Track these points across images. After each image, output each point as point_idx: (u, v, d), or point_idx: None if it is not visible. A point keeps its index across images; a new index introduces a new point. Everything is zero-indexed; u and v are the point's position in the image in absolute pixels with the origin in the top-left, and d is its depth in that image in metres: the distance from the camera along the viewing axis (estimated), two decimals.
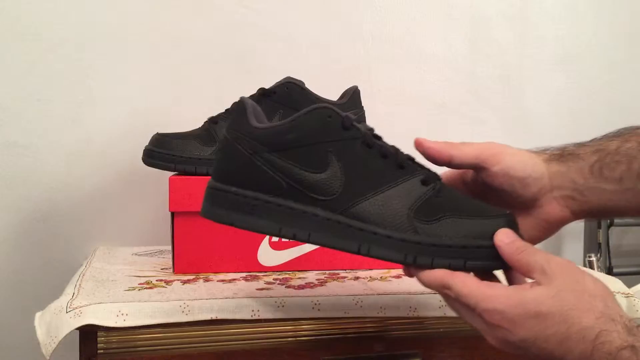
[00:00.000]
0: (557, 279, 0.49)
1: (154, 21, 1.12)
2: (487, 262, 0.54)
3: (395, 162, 0.57)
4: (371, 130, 0.59)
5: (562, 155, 0.61)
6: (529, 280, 0.51)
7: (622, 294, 0.80)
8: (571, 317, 0.47)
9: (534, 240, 0.60)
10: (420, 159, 0.60)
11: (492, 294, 0.50)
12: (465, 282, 0.51)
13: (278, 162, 0.56)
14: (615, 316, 0.48)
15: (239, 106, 0.60)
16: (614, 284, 0.82)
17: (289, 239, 0.57)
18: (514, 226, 0.56)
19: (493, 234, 0.54)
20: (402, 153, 0.59)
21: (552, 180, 0.60)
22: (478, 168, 0.60)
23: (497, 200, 0.61)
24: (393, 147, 0.59)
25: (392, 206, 0.56)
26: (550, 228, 0.61)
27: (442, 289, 0.53)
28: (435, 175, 0.58)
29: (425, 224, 0.55)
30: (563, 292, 0.48)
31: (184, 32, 1.13)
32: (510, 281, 0.56)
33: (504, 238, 0.53)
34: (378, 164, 0.57)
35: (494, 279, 0.55)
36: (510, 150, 0.60)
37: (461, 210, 0.56)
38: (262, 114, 0.61)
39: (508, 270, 0.55)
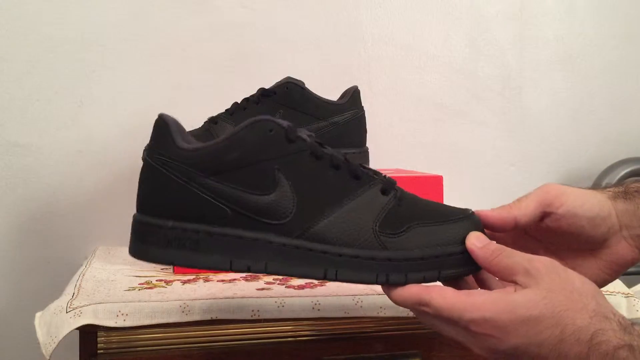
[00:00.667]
0: (543, 280, 0.46)
1: (154, 21, 1.12)
2: (461, 269, 0.52)
3: (349, 172, 0.53)
4: (315, 138, 0.54)
5: (626, 192, 0.57)
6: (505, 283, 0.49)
7: (622, 294, 0.80)
8: (564, 318, 0.45)
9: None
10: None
11: (476, 302, 0.47)
12: (444, 295, 0.48)
13: (218, 188, 0.50)
14: (608, 314, 0.46)
15: (159, 124, 0.52)
16: (614, 284, 0.82)
17: (243, 272, 0.52)
18: (479, 225, 0.53)
19: (462, 238, 0.51)
20: (353, 162, 0.54)
21: (620, 219, 0.56)
22: (543, 216, 0.56)
23: (564, 245, 0.57)
24: (341, 154, 0.54)
25: (354, 222, 0.51)
26: (619, 270, 0.58)
27: (418, 306, 0.49)
28: (391, 181, 0.54)
29: (393, 237, 0.51)
30: (553, 292, 0.46)
31: (183, 32, 1.13)
32: (482, 285, 0.54)
33: (476, 242, 0.51)
34: (331, 176, 0.52)
35: (466, 285, 0.53)
36: (572, 190, 0.56)
37: (426, 217, 0.52)
38: (186, 132, 0.55)
39: (477, 272, 0.53)
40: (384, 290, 0.53)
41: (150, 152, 0.53)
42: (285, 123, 0.52)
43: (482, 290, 0.50)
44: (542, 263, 0.48)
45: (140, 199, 0.53)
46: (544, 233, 0.58)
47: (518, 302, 0.46)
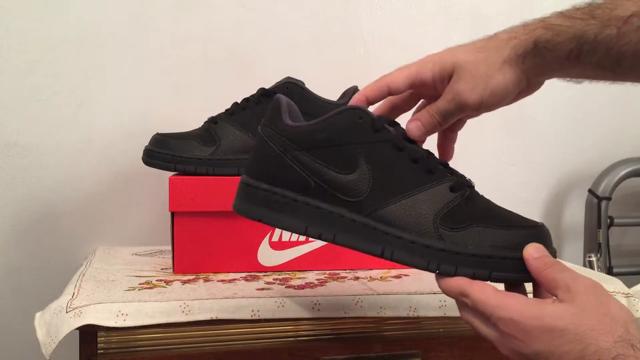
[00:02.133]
0: (580, 298, 0.47)
1: (154, 21, 1.12)
2: (512, 274, 0.53)
3: (425, 167, 0.56)
4: (404, 133, 0.59)
5: (536, 49, 0.56)
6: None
7: (622, 294, 0.80)
8: (588, 337, 0.46)
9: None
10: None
11: (509, 303, 0.49)
12: (484, 289, 0.50)
13: (307, 161, 0.56)
14: (635, 342, 0.46)
15: (274, 103, 0.59)
16: (614, 283, 0.82)
17: (315, 238, 0.57)
18: (546, 238, 0.55)
19: (521, 245, 0.53)
20: (434, 158, 0.58)
21: (527, 75, 0.57)
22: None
23: None
24: (426, 151, 0.58)
25: (418, 211, 0.55)
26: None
27: (460, 297, 0.52)
28: (466, 182, 0.57)
29: (451, 232, 0.54)
30: (584, 311, 0.47)
31: (183, 32, 1.13)
32: (537, 296, 0.54)
33: (534, 252, 0.52)
34: (407, 167, 0.56)
35: (522, 291, 0.54)
36: (464, 70, 0.57)
37: (490, 219, 0.55)
38: (298, 113, 0.61)
39: (535, 284, 0.54)
40: (435, 277, 0.55)
41: (262, 126, 0.59)
42: (375, 115, 0.58)
43: (522, 295, 0.51)
44: (585, 284, 0.49)
45: (248, 164, 0.60)
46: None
47: (547, 311, 0.47)
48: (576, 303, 0.47)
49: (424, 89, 0.61)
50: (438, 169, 0.57)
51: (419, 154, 0.57)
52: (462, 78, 0.57)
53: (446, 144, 0.65)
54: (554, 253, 0.54)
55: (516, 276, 0.53)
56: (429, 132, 0.60)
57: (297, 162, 0.57)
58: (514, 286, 0.55)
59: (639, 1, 0.52)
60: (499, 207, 0.58)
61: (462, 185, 0.56)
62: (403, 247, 0.55)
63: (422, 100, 0.64)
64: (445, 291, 0.54)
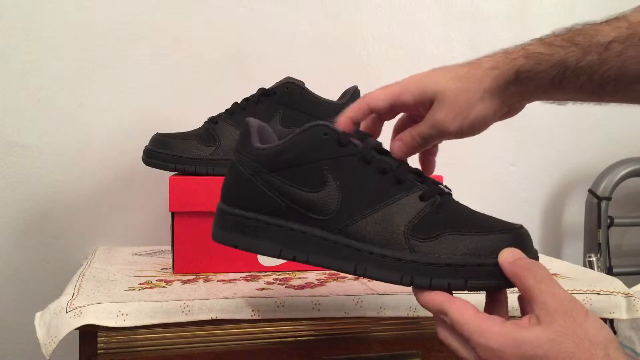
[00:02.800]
0: (557, 322, 0.46)
1: (154, 21, 1.12)
2: (489, 282, 0.52)
3: (394, 178, 0.56)
4: (377, 145, 0.58)
5: (517, 79, 0.57)
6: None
7: (622, 294, 0.80)
8: None
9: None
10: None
11: (487, 329, 0.47)
12: (463, 312, 0.49)
13: (276, 183, 0.56)
14: None
15: (244, 127, 0.59)
16: (614, 284, 0.82)
17: (290, 260, 0.56)
18: (524, 241, 0.53)
19: (497, 250, 0.51)
20: (404, 167, 0.57)
21: (507, 102, 0.58)
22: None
23: None
24: (397, 161, 0.58)
25: (389, 224, 0.54)
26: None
27: (439, 314, 0.51)
28: (436, 189, 0.56)
29: (423, 242, 0.53)
30: (562, 337, 0.45)
31: (183, 32, 1.13)
32: (521, 304, 0.53)
33: (508, 256, 0.51)
34: (375, 180, 0.56)
35: (503, 298, 0.54)
36: (457, 111, 0.57)
37: (463, 226, 0.53)
38: (271, 134, 0.61)
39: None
40: (412, 291, 0.54)
41: (234, 150, 0.60)
42: (340, 129, 0.57)
43: (499, 319, 0.49)
44: (562, 302, 0.47)
45: (222, 190, 0.60)
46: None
47: (525, 339, 0.46)
48: (553, 327, 0.46)
49: (405, 109, 0.62)
50: (407, 179, 0.56)
51: (387, 165, 0.56)
52: (442, 107, 0.57)
53: (427, 158, 0.65)
54: (534, 256, 0.53)
55: (493, 283, 0.52)
56: (412, 152, 0.61)
57: (266, 184, 0.57)
58: (495, 293, 0.54)
59: (618, 27, 0.53)
60: (475, 212, 0.56)
61: (432, 193, 0.55)
62: (375, 263, 0.54)
63: (403, 113, 0.64)
64: (424, 306, 0.52)
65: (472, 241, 0.52)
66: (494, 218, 0.55)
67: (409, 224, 0.54)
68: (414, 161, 0.61)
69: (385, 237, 0.54)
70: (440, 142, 0.62)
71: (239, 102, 0.88)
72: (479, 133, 0.60)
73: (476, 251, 0.52)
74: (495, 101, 0.58)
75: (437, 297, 0.51)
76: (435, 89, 0.58)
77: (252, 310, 0.70)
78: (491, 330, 0.47)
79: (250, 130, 0.59)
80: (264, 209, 0.57)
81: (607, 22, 0.56)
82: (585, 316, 0.47)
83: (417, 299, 0.53)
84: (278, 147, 0.57)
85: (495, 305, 0.54)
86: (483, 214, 0.56)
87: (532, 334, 0.46)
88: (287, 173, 0.56)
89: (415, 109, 0.60)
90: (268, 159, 0.57)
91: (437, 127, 0.58)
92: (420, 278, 0.52)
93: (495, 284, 0.52)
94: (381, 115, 0.63)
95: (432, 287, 0.52)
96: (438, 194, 0.56)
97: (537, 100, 0.59)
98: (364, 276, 0.54)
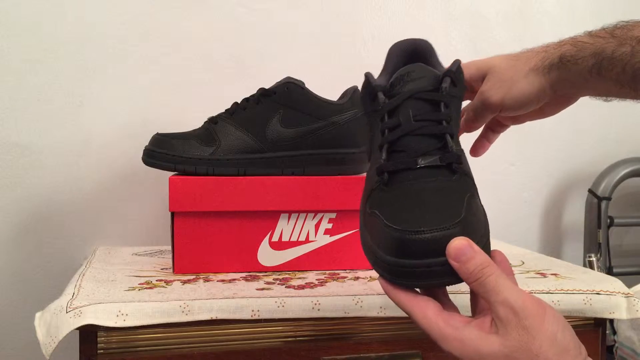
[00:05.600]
0: (512, 334, 0.45)
1: (154, 21, 1.12)
2: (438, 281, 0.48)
3: (377, 144, 0.56)
4: (390, 105, 0.57)
5: (561, 62, 0.60)
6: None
7: (622, 294, 0.80)
8: None
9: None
10: None
11: (449, 335, 0.47)
12: (425, 314, 0.48)
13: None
14: None
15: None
16: (614, 284, 0.82)
17: None
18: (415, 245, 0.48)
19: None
20: (388, 136, 0.55)
21: (553, 87, 0.61)
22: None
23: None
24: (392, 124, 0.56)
25: (364, 193, 0.57)
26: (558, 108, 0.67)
27: (405, 312, 0.50)
28: (389, 166, 0.53)
29: (369, 218, 0.52)
30: (517, 353, 0.45)
31: (183, 32, 1.13)
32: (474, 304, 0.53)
33: (458, 257, 0.47)
34: (368, 143, 0.60)
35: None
36: (503, 84, 0.63)
37: (389, 211, 0.50)
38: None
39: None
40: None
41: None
42: (376, 82, 0.59)
43: (460, 322, 0.48)
44: (512, 309, 0.46)
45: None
46: None
47: (483, 351, 0.46)
48: (508, 341, 0.45)
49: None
50: (381, 148, 0.55)
51: (383, 128, 0.56)
52: (489, 80, 0.64)
53: (481, 141, 0.72)
54: (482, 241, 0.49)
55: (443, 281, 0.48)
56: (468, 126, 0.68)
57: None
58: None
59: None
60: (424, 192, 0.51)
61: (387, 167, 0.53)
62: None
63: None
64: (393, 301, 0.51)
65: (383, 231, 0.49)
66: (439, 201, 0.50)
67: (366, 197, 0.54)
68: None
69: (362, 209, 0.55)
70: (488, 115, 0.66)
71: (239, 102, 0.88)
72: (520, 111, 0.64)
73: (380, 244, 0.49)
74: (539, 80, 0.61)
75: (401, 297, 0.49)
76: (489, 65, 0.65)
77: (252, 310, 0.70)
78: (453, 336, 0.47)
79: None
80: None
81: None
82: (539, 324, 0.46)
83: (387, 294, 0.51)
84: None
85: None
86: (436, 197, 0.51)
87: (491, 348, 0.46)
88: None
89: (471, 87, 0.66)
90: None
91: (481, 97, 0.64)
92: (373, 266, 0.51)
93: (447, 281, 0.49)
94: None
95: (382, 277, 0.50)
96: (392, 170, 0.53)
97: (582, 93, 0.63)
98: None
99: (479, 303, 0.52)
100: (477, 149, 0.73)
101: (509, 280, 0.48)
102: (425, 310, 0.48)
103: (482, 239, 0.50)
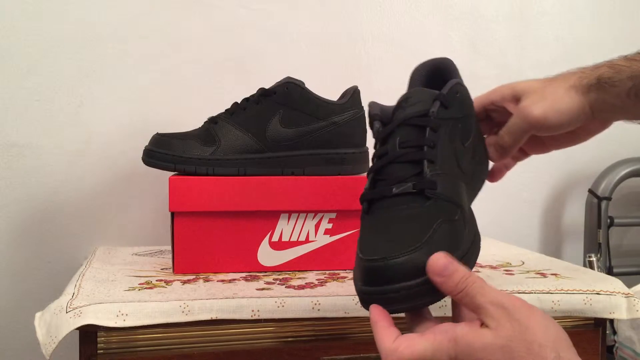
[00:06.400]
0: (504, 327, 0.46)
1: (154, 21, 1.12)
2: (422, 301, 0.50)
3: (370, 173, 0.58)
4: (382, 134, 0.60)
5: (599, 84, 0.60)
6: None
7: (622, 294, 0.80)
8: None
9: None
10: None
11: (440, 341, 0.47)
12: (412, 342, 0.48)
13: None
14: None
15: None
16: (614, 284, 0.82)
17: None
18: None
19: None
20: (379, 161, 0.58)
21: (592, 108, 0.61)
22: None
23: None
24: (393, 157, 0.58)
25: None
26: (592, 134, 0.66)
27: (382, 354, 0.49)
28: (376, 192, 0.55)
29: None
30: (512, 342, 0.45)
31: (183, 32, 1.13)
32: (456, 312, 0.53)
33: (438, 274, 0.48)
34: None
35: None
36: (544, 99, 0.62)
37: (362, 241, 0.53)
38: None
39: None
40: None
41: None
42: (374, 111, 0.60)
43: (445, 327, 0.48)
44: (502, 306, 0.47)
45: None
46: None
47: (476, 345, 0.46)
48: (502, 333, 0.46)
49: (494, 112, 0.67)
50: (368, 176, 0.58)
51: (375, 155, 0.58)
52: (529, 97, 0.63)
53: (500, 167, 0.70)
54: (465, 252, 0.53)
55: (426, 300, 0.50)
56: (503, 153, 0.65)
57: None
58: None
59: None
60: (390, 225, 0.53)
61: (365, 196, 0.56)
62: None
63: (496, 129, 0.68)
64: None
65: (358, 262, 0.52)
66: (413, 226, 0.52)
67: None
68: None
69: None
70: (526, 135, 0.64)
71: (239, 102, 0.88)
72: (562, 128, 0.62)
73: (355, 274, 0.53)
74: (580, 98, 0.61)
75: (383, 335, 0.49)
76: (524, 87, 0.64)
77: (252, 310, 0.70)
78: (445, 340, 0.47)
79: None
80: None
81: None
82: (530, 315, 0.46)
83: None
84: None
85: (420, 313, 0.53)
86: (410, 222, 0.52)
87: (484, 340, 0.46)
88: None
89: (502, 110, 0.65)
90: None
91: (523, 112, 0.62)
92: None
93: (429, 301, 0.51)
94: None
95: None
96: (371, 199, 0.55)
97: (620, 117, 0.63)
98: None
99: (462, 313, 0.52)
100: (495, 175, 0.71)
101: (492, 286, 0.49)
102: (410, 341, 0.48)
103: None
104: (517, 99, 0.64)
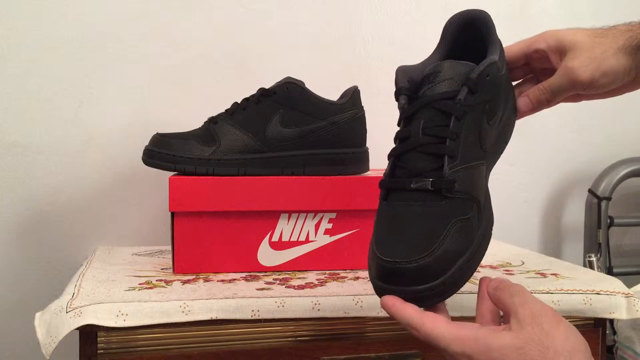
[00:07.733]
0: (525, 329, 0.48)
1: (154, 21, 1.12)
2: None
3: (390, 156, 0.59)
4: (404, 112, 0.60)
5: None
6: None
7: (622, 294, 0.80)
8: None
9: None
10: None
11: (461, 337, 0.49)
12: (436, 324, 0.50)
13: None
14: None
15: None
16: (614, 284, 0.82)
17: None
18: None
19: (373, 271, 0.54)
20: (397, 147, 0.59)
21: (637, 68, 0.60)
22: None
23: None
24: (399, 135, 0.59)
25: None
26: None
27: (409, 328, 0.51)
28: (388, 182, 0.56)
29: None
30: (528, 345, 0.47)
31: (183, 32, 1.13)
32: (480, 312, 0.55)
33: (492, 284, 0.55)
34: None
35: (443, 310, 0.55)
36: (592, 60, 0.60)
37: (377, 232, 0.55)
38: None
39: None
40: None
41: None
42: (402, 84, 0.60)
43: (471, 325, 0.51)
44: (532, 311, 0.49)
45: None
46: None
47: (495, 346, 0.48)
48: (521, 335, 0.48)
49: (535, 59, 0.65)
50: (389, 159, 0.58)
51: (397, 135, 0.58)
52: (577, 56, 0.60)
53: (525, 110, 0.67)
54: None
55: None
56: (536, 108, 0.64)
57: None
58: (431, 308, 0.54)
59: None
60: (405, 223, 0.54)
61: (383, 186, 0.57)
62: None
63: (530, 75, 0.67)
64: (395, 319, 0.53)
65: (373, 255, 0.54)
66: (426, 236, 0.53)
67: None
68: None
69: None
70: (568, 94, 0.63)
71: (239, 102, 0.88)
72: (605, 89, 0.62)
73: (370, 266, 0.55)
74: (627, 60, 0.60)
75: (407, 311, 0.51)
76: (572, 39, 0.61)
77: (252, 310, 0.70)
78: (464, 337, 0.49)
79: None
80: None
81: None
82: (556, 324, 0.48)
83: (386, 309, 0.53)
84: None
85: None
86: (425, 220, 0.54)
87: (502, 341, 0.48)
88: None
89: (546, 59, 0.63)
90: None
91: (569, 74, 0.61)
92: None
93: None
94: (512, 70, 0.65)
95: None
96: (391, 188, 0.56)
97: None
98: None
99: (484, 314, 0.54)
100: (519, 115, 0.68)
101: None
102: (435, 321, 0.50)
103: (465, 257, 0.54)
104: (562, 51, 0.62)
